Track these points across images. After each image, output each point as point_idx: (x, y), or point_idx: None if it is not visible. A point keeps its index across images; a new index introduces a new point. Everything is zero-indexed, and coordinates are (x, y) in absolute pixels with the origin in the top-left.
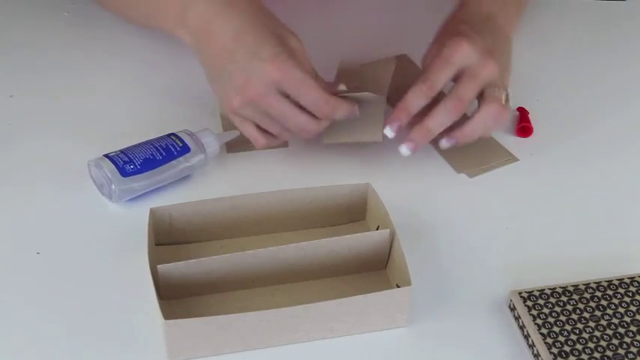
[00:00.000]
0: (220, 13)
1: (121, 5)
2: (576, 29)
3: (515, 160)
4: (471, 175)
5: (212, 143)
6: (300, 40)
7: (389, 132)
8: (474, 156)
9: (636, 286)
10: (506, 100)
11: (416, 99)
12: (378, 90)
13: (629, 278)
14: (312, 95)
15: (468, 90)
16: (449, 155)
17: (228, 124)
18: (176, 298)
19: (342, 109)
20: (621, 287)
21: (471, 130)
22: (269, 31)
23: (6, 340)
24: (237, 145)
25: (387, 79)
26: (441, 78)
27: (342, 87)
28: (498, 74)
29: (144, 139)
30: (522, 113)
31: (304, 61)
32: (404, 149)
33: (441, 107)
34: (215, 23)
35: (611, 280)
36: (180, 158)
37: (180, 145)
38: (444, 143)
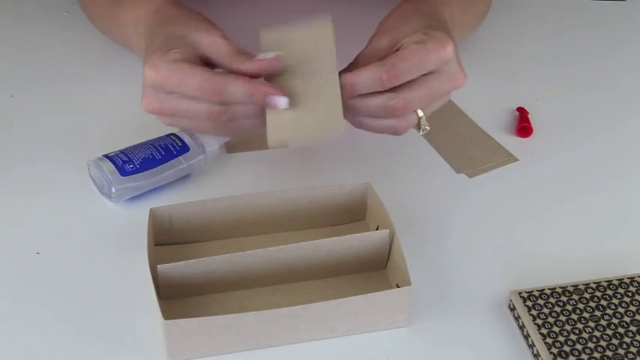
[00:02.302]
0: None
1: (101, 29)
2: (576, 29)
3: (515, 160)
4: (470, 175)
5: (211, 143)
6: (214, 34)
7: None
8: (473, 156)
9: (636, 286)
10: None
11: (368, 84)
12: (324, 65)
13: (629, 278)
14: (192, 81)
15: (416, 97)
16: (449, 155)
17: None
18: (176, 298)
19: (236, 85)
20: (621, 287)
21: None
22: (165, 34)
23: (6, 340)
24: (237, 145)
25: (331, 48)
26: (406, 76)
27: (269, 55)
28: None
29: (144, 140)
30: (522, 113)
31: (215, 53)
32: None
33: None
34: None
35: (611, 280)
36: (180, 158)
37: (180, 144)
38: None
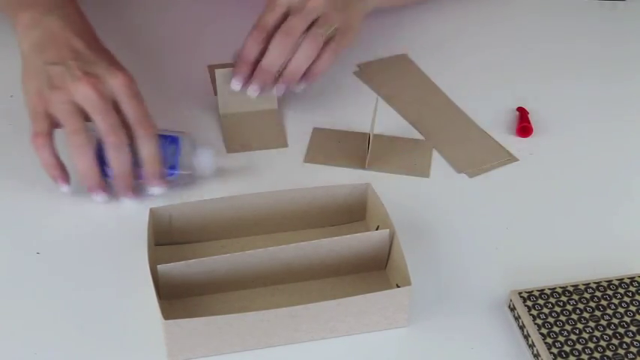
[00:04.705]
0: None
1: None
2: (576, 29)
3: (515, 160)
4: (470, 175)
5: (207, 161)
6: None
7: (235, 84)
8: (473, 156)
9: (636, 286)
10: (331, 35)
11: (250, 47)
12: None
13: (629, 278)
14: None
15: (294, 24)
16: (449, 155)
17: (228, 124)
18: (176, 298)
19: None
20: (621, 287)
21: (293, 68)
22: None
23: (6, 340)
24: (237, 145)
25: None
26: (268, 20)
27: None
28: (322, 7)
29: None
30: (522, 113)
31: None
32: (250, 91)
33: (271, 44)
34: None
35: (611, 280)
36: (180, 158)
37: (179, 144)
38: (277, 91)
